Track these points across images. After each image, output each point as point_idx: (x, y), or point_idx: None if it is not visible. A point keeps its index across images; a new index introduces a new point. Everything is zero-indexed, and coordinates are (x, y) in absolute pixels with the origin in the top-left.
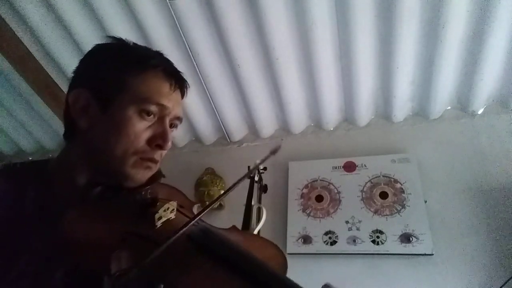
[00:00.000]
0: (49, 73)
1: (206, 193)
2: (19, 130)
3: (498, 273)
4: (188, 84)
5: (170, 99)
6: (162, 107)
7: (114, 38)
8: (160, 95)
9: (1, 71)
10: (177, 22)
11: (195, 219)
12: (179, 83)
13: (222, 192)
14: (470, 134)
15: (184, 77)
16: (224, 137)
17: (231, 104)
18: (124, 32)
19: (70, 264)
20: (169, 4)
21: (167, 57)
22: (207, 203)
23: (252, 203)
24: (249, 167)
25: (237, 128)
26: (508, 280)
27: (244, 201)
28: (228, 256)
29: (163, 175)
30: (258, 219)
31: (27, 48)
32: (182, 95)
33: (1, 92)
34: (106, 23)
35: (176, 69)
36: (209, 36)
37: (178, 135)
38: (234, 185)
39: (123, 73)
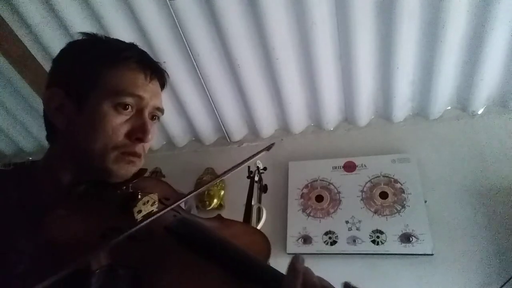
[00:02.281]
0: None
1: (206, 193)
2: (19, 130)
3: (498, 273)
4: (167, 74)
5: (146, 90)
6: (138, 98)
7: (85, 33)
8: (135, 87)
9: (1, 71)
10: (177, 22)
11: (169, 208)
12: (156, 74)
13: (222, 192)
14: (470, 134)
15: (162, 67)
16: (224, 137)
17: (231, 104)
18: (124, 32)
19: (56, 263)
20: (169, 4)
21: (172, 57)
22: (207, 203)
23: (252, 203)
24: (249, 167)
25: (237, 128)
26: (508, 280)
27: (244, 201)
28: (206, 245)
29: (163, 175)
30: (258, 219)
31: (27, 48)
32: (162, 86)
33: (1, 92)
34: (106, 23)
35: (151, 59)
36: (209, 36)
37: (178, 135)
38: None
39: (94, 68)
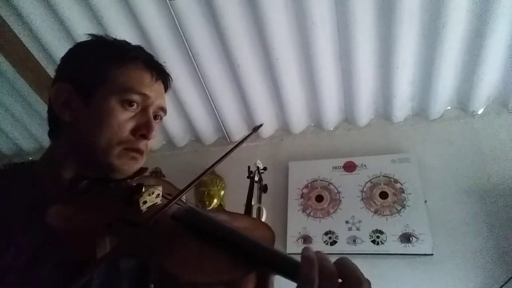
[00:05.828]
0: (49, 73)
1: (206, 193)
2: (19, 130)
3: (498, 273)
4: (171, 77)
5: (152, 89)
6: (144, 96)
7: (93, 35)
8: (142, 85)
9: (1, 71)
10: (177, 22)
11: (176, 199)
12: (161, 75)
13: (222, 192)
14: (470, 134)
15: (167, 70)
16: (224, 137)
17: (231, 104)
18: (124, 32)
19: (58, 256)
20: (169, 4)
21: (172, 57)
22: (207, 203)
23: (252, 203)
24: (249, 167)
25: (237, 128)
26: (508, 280)
27: (244, 201)
28: (212, 231)
29: (163, 175)
30: (258, 219)
31: (27, 48)
32: (166, 88)
33: (1, 92)
34: (106, 23)
35: (157, 61)
36: (209, 36)
37: (178, 135)
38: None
39: (103, 65)
